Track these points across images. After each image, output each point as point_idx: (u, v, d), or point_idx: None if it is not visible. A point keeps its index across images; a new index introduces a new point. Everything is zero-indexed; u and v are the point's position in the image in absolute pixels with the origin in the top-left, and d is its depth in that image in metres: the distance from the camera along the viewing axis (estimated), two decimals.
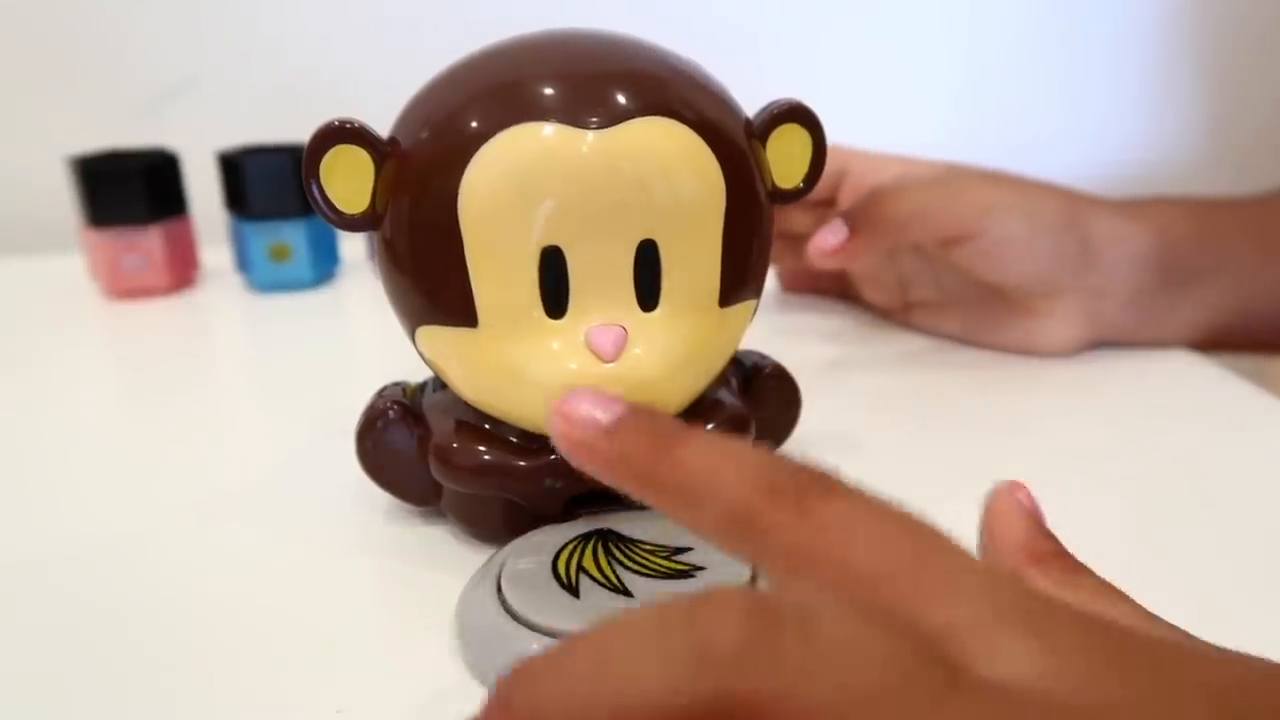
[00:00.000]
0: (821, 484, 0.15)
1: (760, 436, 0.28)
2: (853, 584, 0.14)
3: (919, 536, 0.14)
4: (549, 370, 0.23)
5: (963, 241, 0.37)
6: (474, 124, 0.22)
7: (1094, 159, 0.71)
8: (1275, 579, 0.25)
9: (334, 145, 0.23)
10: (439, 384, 0.28)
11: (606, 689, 0.12)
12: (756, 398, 0.28)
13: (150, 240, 0.50)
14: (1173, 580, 0.25)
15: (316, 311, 0.49)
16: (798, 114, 0.25)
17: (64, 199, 0.50)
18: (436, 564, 0.26)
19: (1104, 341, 0.39)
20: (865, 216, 0.37)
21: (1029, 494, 0.21)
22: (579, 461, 0.17)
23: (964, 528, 0.23)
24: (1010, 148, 0.43)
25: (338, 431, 0.34)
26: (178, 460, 0.33)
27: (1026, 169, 0.40)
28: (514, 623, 0.21)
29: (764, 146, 0.25)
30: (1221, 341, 0.41)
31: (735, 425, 0.26)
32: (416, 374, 0.28)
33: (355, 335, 0.49)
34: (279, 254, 0.51)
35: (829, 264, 0.38)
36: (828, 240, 0.37)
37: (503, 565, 0.23)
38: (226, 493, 0.30)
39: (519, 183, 0.22)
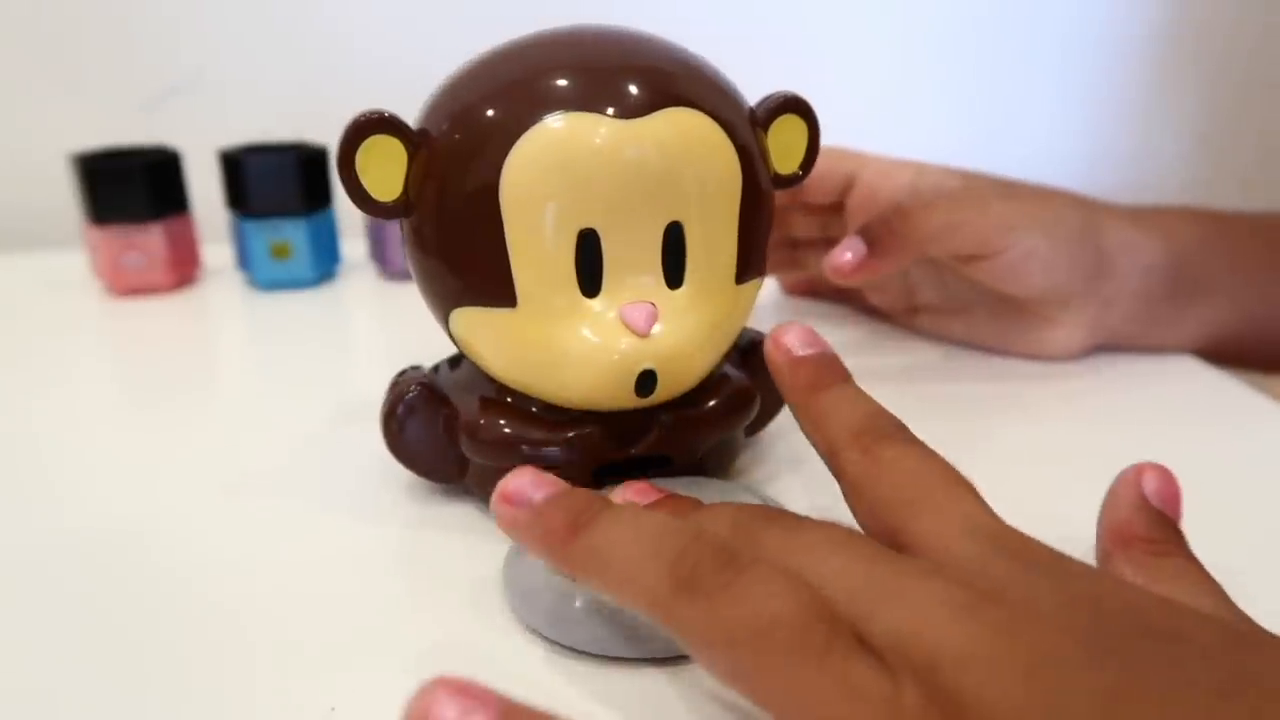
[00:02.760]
0: (721, 560, 0.18)
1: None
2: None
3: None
4: (589, 345, 0.24)
5: (984, 259, 0.37)
6: (513, 114, 0.24)
7: (1082, 170, 0.73)
8: (1277, 583, 0.25)
9: (370, 135, 0.24)
10: (451, 365, 0.29)
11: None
12: (754, 370, 0.30)
13: (152, 238, 0.50)
14: None
15: (318, 309, 0.50)
16: (795, 105, 0.27)
17: (66, 196, 0.51)
18: (467, 538, 0.27)
19: (1107, 346, 0.40)
20: (886, 232, 0.36)
21: (1157, 476, 0.22)
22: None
23: None
24: (1005, 160, 0.44)
25: (342, 424, 0.35)
26: (182, 455, 0.33)
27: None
28: (569, 581, 0.22)
29: (765, 135, 0.27)
30: (1226, 355, 0.41)
31: (742, 397, 0.28)
32: (423, 367, 0.29)
33: (357, 332, 0.50)
34: (280, 252, 0.52)
35: (846, 282, 0.37)
36: (845, 258, 0.36)
37: None
38: (230, 486, 0.30)
39: (559, 169, 0.23)
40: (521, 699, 0.21)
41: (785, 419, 0.32)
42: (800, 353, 0.24)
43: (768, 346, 0.25)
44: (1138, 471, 0.23)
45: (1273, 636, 0.17)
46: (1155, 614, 0.17)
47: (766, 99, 0.27)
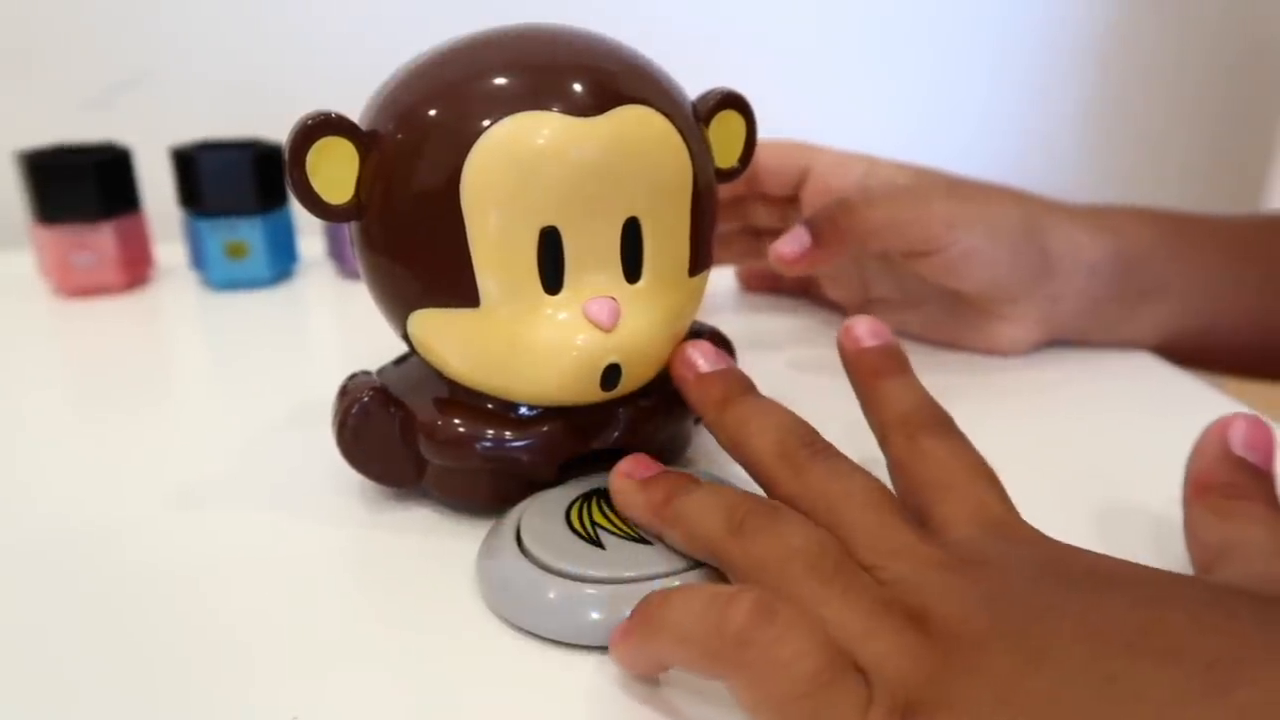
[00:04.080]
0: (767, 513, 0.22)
1: None
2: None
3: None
4: (555, 341, 0.24)
5: (926, 255, 0.37)
6: (472, 113, 0.24)
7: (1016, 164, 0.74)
8: None
9: (321, 137, 0.24)
10: (396, 366, 0.29)
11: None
12: None
13: (102, 237, 0.49)
14: None
15: (275, 309, 0.49)
16: (733, 101, 0.28)
17: (13, 195, 0.49)
18: (428, 539, 0.27)
19: (1062, 341, 0.40)
20: (829, 226, 0.37)
21: (1246, 425, 0.24)
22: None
23: None
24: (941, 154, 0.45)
25: (300, 426, 0.34)
26: (134, 459, 0.32)
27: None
28: (548, 574, 0.23)
29: (707, 130, 0.27)
30: (1186, 354, 0.41)
31: None
32: (369, 372, 0.29)
33: (315, 332, 0.49)
34: (235, 251, 0.51)
35: (790, 272, 0.37)
36: (790, 248, 0.36)
37: (519, 527, 0.24)
38: (184, 490, 0.30)
39: (521, 168, 0.23)
40: (495, 689, 0.21)
41: None
42: (867, 343, 0.27)
43: (840, 335, 0.28)
44: (1224, 422, 0.24)
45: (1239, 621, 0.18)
46: (1115, 569, 0.20)
47: (705, 95, 0.27)
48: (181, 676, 0.22)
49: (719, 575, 0.23)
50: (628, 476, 0.25)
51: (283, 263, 0.52)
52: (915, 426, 0.25)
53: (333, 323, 0.50)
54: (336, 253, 0.53)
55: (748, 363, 0.33)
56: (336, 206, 0.25)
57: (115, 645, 0.23)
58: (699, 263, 0.27)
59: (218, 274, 0.51)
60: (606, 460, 0.27)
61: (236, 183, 0.50)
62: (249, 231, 0.50)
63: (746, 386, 0.26)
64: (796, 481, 0.23)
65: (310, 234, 0.55)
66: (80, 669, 0.22)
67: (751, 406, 0.25)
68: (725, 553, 0.22)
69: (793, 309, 0.47)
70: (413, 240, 0.25)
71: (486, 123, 0.23)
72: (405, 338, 0.27)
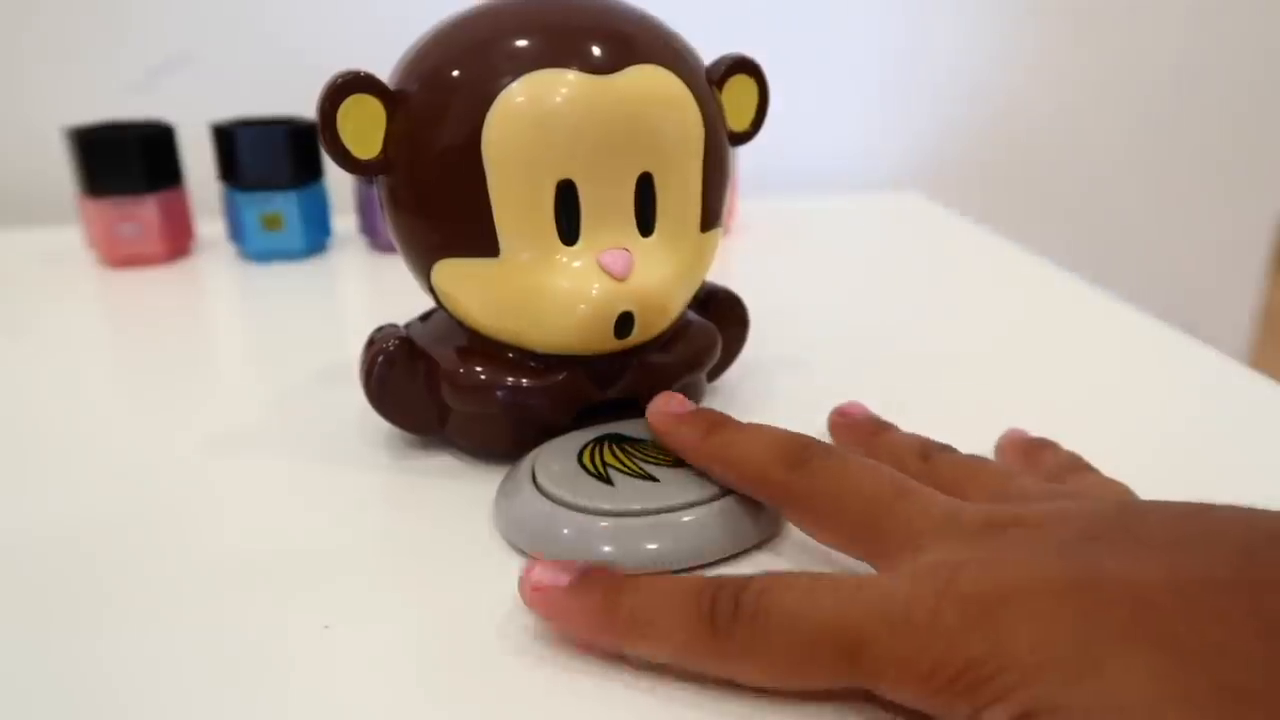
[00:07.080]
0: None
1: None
2: None
3: None
4: (570, 290, 0.26)
5: None
6: (493, 71, 0.25)
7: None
8: None
9: (350, 94, 0.25)
10: (422, 320, 0.31)
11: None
12: (715, 317, 0.32)
13: (147, 209, 0.51)
14: None
15: (308, 280, 0.51)
16: (746, 66, 0.29)
17: (61, 170, 0.52)
18: (450, 481, 0.28)
19: None
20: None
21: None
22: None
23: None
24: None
25: (331, 385, 0.36)
26: (173, 416, 0.34)
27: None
28: (561, 509, 0.24)
29: (720, 93, 0.28)
30: None
31: (707, 340, 0.30)
32: (396, 325, 0.30)
33: (346, 303, 0.51)
34: (271, 223, 0.53)
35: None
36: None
37: (534, 467, 0.26)
38: (222, 442, 0.31)
39: (539, 124, 0.24)
40: (510, 611, 0.22)
41: (744, 365, 0.34)
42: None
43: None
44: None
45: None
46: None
47: (719, 60, 0.28)
48: (226, 593, 0.23)
49: (730, 509, 0.24)
50: (662, 412, 0.26)
51: (317, 236, 0.54)
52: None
53: (363, 293, 0.52)
54: (368, 228, 0.55)
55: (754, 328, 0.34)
56: (364, 161, 0.26)
57: (166, 568, 0.25)
58: (710, 218, 0.28)
59: (254, 245, 0.53)
60: (620, 410, 0.28)
61: (273, 157, 0.52)
62: (284, 204, 0.52)
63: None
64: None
65: (343, 211, 0.57)
66: (137, 587, 0.24)
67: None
68: (781, 486, 0.22)
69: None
70: (436, 193, 0.26)
71: (506, 80, 0.24)
72: (430, 289, 0.28)
